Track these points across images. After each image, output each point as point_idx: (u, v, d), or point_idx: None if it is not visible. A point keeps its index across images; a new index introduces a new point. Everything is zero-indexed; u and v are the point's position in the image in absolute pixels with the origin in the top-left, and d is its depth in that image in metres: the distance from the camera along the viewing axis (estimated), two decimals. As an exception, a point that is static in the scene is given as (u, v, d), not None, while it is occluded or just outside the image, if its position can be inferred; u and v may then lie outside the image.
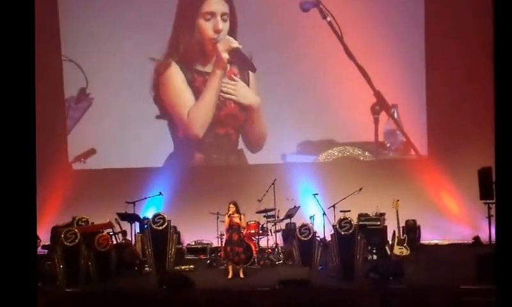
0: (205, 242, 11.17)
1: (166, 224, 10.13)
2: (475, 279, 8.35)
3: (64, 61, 12.27)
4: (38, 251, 10.43)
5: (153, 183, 11.77)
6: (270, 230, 10.84)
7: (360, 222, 10.25)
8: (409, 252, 9.99)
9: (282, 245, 10.89)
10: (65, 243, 9.42)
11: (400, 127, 11.91)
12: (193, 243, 11.26)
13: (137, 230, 10.80)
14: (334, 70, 11.80)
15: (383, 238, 10.50)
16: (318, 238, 10.08)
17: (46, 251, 10.35)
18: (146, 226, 10.37)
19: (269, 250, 10.73)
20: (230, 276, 9.43)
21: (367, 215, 10.64)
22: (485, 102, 9.00)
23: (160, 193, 11.32)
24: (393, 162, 11.96)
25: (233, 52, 11.94)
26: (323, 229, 10.36)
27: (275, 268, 9.99)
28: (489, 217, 9.81)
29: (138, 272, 10.09)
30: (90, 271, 9.52)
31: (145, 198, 11.36)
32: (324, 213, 10.34)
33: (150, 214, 10.72)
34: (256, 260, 10.10)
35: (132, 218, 10.72)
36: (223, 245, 9.79)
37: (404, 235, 10.23)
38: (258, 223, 10.71)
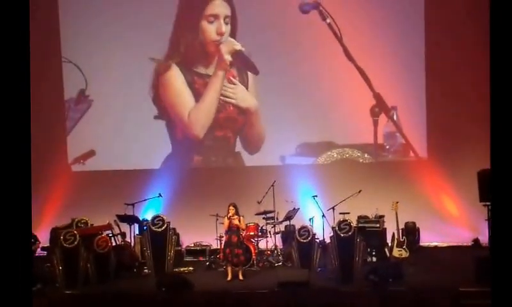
0: (204, 243, 11.16)
1: (165, 226, 10.12)
2: (475, 282, 8.35)
3: (63, 63, 12.24)
4: (37, 252, 10.48)
5: (152, 184, 11.76)
6: (269, 232, 10.83)
7: (359, 224, 10.25)
8: (408, 254, 9.99)
9: (281, 247, 10.88)
10: (64, 245, 9.39)
11: (400, 129, 11.91)
12: (192, 245, 11.25)
13: (137, 232, 10.79)
14: (333, 72, 11.81)
15: (383, 240, 10.49)
16: (317, 240, 10.10)
17: (45, 252, 10.36)
18: (145, 228, 10.36)
19: (269, 252, 10.72)
20: (229, 278, 9.43)
21: (366, 217, 10.65)
22: (484, 104, 8.97)
23: (160, 195, 11.31)
24: (393, 164, 11.96)
25: (236, 54, 11.94)
26: (322, 231, 10.37)
27: (274, 270, 9.98)
28: (488, 219, 9.79)
29: (137, 274, 10.08)
30: (89, 273, 9.50)
31: (144, 200, 11.37)
32: (323, 215, 10.34)
33: (149, 216, 10.74)
34: (255, 262, 10.10)
35: (131, 220, 10.70)
36: (222, 247, 9.77)
37: (404, 237, 10.23)
38: (258, 225, 10.70)
